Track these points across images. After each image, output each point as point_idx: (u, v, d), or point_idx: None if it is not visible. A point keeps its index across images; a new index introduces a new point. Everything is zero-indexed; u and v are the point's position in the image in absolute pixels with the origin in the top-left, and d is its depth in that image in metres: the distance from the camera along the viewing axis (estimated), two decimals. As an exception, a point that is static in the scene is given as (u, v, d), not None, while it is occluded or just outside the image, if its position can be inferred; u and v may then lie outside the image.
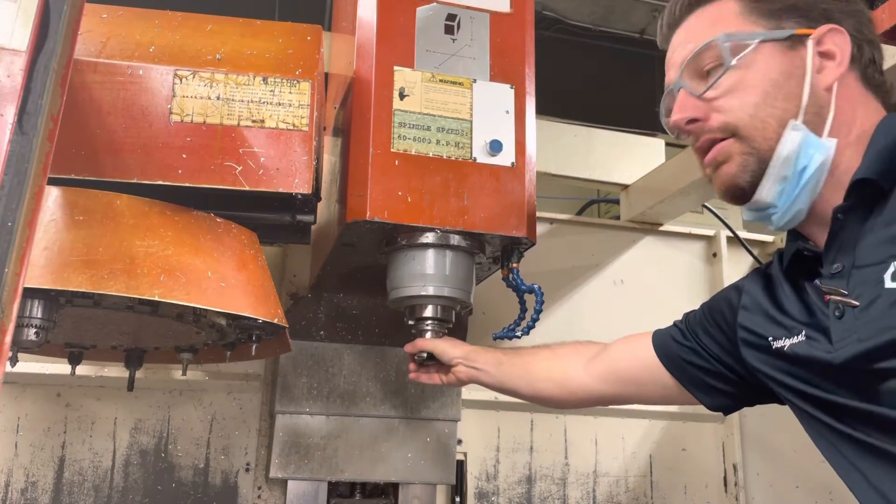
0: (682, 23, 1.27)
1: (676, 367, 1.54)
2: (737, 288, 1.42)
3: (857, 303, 1.06)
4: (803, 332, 1.18)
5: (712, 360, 1.47)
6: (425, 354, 1.87)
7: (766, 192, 1.15)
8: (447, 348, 1.85)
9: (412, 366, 1.95)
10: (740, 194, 1.18)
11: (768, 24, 1.18)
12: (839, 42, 1.16)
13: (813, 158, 1.11)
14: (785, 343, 1.21)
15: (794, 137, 1.11)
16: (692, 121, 1.20)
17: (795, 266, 1.25)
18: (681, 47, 1.25)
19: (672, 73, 1.26)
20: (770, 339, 1.25)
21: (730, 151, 1.17)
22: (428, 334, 1.83)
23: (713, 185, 1.23)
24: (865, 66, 1.20)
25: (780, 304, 1.26)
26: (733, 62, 1.16)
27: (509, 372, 1.86)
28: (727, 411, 1.54)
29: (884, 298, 1.01)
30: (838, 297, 1.09)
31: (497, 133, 1.77)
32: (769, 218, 1.19)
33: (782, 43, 1.16)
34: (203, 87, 1.64)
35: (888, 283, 1.00)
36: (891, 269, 1.01)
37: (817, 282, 1.18)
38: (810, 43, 1.16)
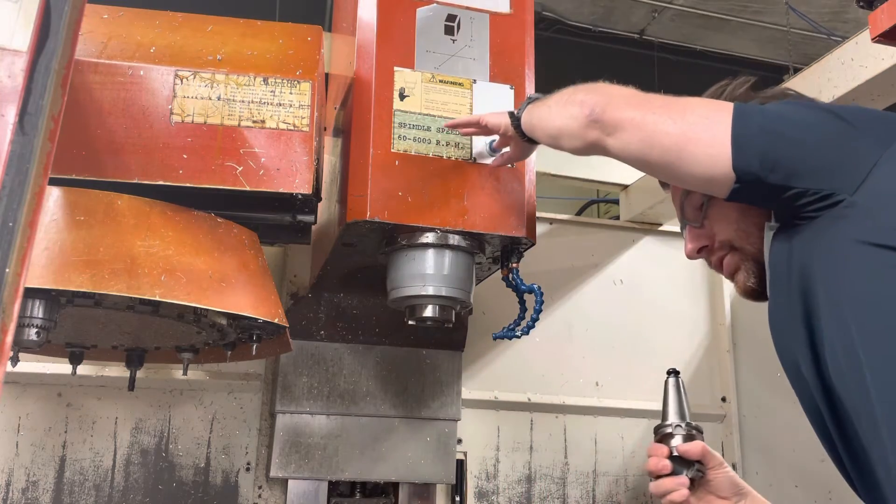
0: None
1: None
2: None
3: None
4: None
5: None
6: (702, 467, 1.39)
7: None
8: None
9: (674, 484, 1.39)
10: (757, 294, 1.30)
11: None
12: None
13: None
14: None
15: (771, 236, 1.22)
16: (701, 248, 1.36)
17: None
18: (675, 193, 1.41)
19: (677, 213, 1.42)
20: None
21: (735, 263, 1.32)
22: (678, 438, 1.42)
23: (738, 293, 1.37)
24: None
25: None
26: (713, 198, 1.29)
27: None
28: None
29: None
30: None
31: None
32: None
33: None
34: (204, 88, 1.65)
35: None
36: None
37: None
38: None
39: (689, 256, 1.39)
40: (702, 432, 1.44)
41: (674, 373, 1.52)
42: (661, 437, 1.46)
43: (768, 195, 1.14)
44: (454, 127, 1.73)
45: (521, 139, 1.59)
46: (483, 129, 1.69)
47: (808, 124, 1.14)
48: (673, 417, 1.46)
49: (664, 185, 1.47)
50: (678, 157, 1.18)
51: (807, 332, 1.12)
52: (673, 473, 1.39)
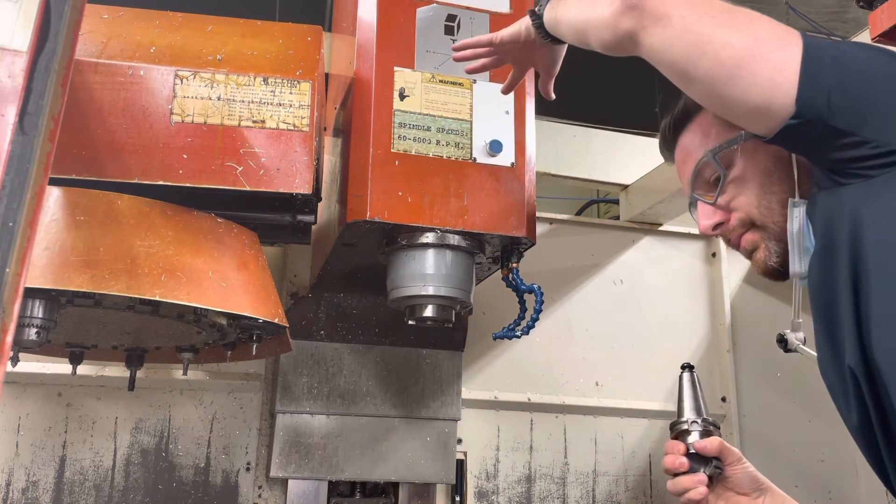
0: (676, 144, 1.35)
1: None
2: None
3: None
4: None
5: None
6: (720, 463, 1.37)
7: (797, 265, 1.20)
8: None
9: (691, 482, 1.35)
10: (778, 274, 1.24)
11: None
12: None
13: None
14: None
15: (798, 213, 1.17)
16: (717, 225, 1.29)
17: None
18: (682, 166, 1.33)
19: (686, 188, 1.33)
20: None
21: (754, 241, 1.25)
22: (695, 435, 1.38)
23: (756, 272, 1.30)
24: None
25: None
26: (730, 172, 1.24)
27: None
28: None
29: None
30: None
31: (497, 133, 1.77)
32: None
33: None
34: (204, 88, 1.65)
35: None
36: None
37: None
38: None
39: (704, 233, 1.31)
40: (719, 427, 1.41)
41: (688, 367, 1.48)
42: (678, 433, 1.41)
43: (820, 140, 1.02)
44: (461, 50, 1.53)
45: (544, 40, 1.39)
46: (498, 47, 1.49)
47: (885, 70, 1.03)
48: (689, 413, 1.42)
49: (668, 157, 1.39)
50: (732, 74, 1.02)
51: (853, 304, 1.04)
52: (690, 471, 1.35)
